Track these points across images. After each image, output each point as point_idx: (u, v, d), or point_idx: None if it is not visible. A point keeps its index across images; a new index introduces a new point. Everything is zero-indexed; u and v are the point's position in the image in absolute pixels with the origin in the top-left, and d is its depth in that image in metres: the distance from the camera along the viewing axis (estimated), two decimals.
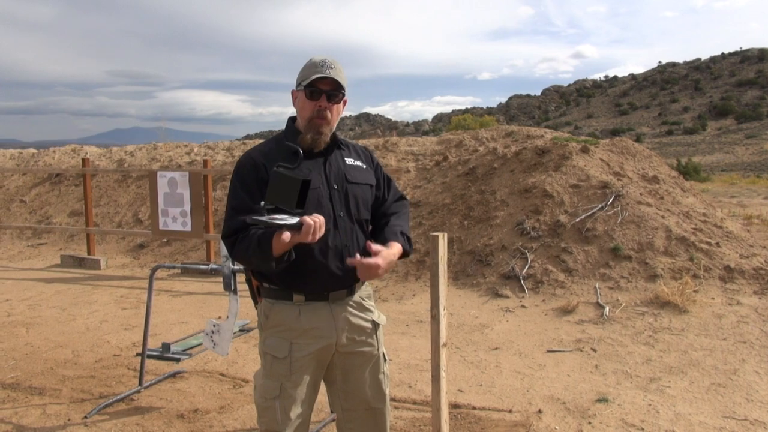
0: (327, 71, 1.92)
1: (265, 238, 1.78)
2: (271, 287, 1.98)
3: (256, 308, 2.09)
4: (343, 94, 1.99)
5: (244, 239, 1.83)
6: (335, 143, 2.05)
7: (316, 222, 1.73)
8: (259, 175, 1.91)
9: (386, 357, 2.16)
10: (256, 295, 2.07)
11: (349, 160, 2.07)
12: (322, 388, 2.12)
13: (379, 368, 2.11)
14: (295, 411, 1.95)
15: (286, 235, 1.70)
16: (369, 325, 2.08)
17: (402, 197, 2.22)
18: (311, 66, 1.95)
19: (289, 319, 1.94)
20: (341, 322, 1.99)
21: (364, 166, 2.11)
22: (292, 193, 1.74)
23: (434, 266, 2.13)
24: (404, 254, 2.04)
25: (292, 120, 2.07)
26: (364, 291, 2.11)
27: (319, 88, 1.93)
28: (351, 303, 2.03)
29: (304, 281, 1.93)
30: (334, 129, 2.03)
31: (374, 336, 2.09)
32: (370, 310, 2.10)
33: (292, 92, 2.02)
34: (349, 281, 1.99)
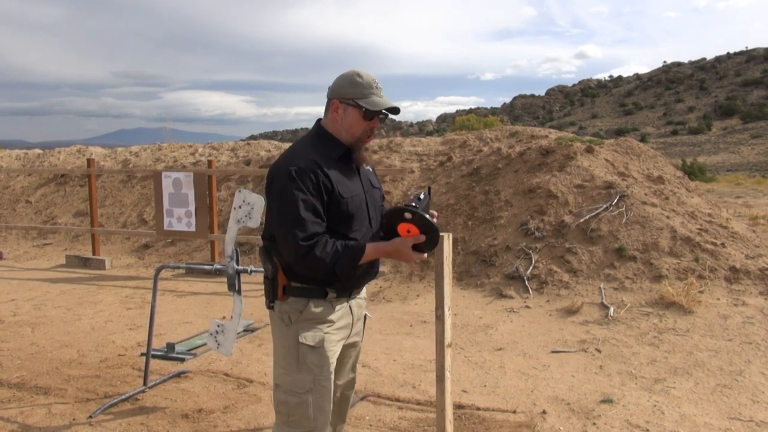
0: (382, 94, 2.05)
1: (361, 245, 1.97)
2: (304, 286, 2.04)
3: (271, 307, 2.11)
4: (386, 116, 2.12)
5: (328, 244, 1.92)
6: None
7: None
8: (320, 179, 1.96)
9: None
10: (277, 293, 2.06)
11: (367, 168, 2.21)
12: None
13: (357, 359, 2.35)
14: (326, 405, 2.04)
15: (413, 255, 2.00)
16: (362, 318, 2.29)
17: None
18: (366, 86, 2.02)
19: (324, 313, 2.06)
20: (354, 318, 2.18)
21: (372, 171, 2.27)
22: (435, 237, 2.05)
23: (439, 266, 2.13)
24: None
25: (319, 122, 2.13)
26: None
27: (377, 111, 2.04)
28: (359, 299, 2.22)
29: (347, 279, 2.04)
30: None
31: (362, 328, 2.32)
32: (365, 305, 2.31)
33: (335, 102, 2.05)
34: (371, 279, 2.20)
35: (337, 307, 2.10)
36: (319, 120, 2.13)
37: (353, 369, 2.34)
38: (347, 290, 2.12)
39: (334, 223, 1.99)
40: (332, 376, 2.08)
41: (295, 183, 1.93)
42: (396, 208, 2.02)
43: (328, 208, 1.97)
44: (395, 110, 2.08)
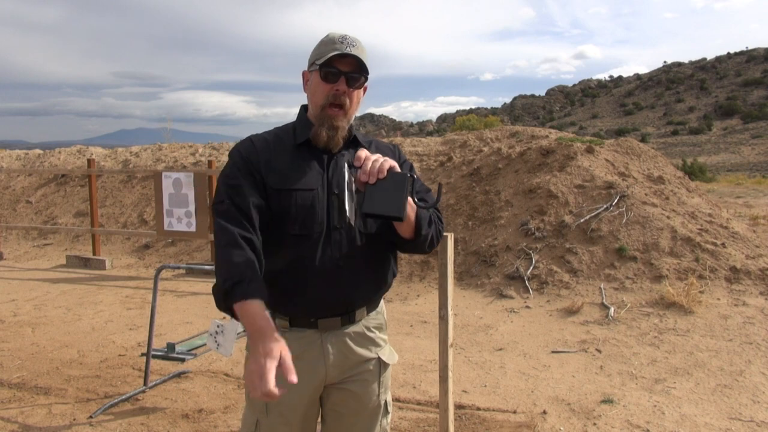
0: (348, 48, 1.57)
1: (249, 291, 1.40)
2: None
3: None
4: (366, 78, 1.63)
5: (239, 245, 1.47)
6: (351, 140, 1.68)
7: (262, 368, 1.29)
8: (252, 160, 1.59)
9: (389, 408, 1.74)
10: None
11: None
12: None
13: (376, 421, 1.70)
14: None
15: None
16: (371, 362, 1.68)
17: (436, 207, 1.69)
18: (328, 42, 1.59)
19: None
20: (334, 357, 1.63)
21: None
22: (397, 194, 1.40)
23: (442, 267, 2.12)
24: (418, 226, 1.55)
25: (304, 108, 1.71)
26: (373, 320, 1.70)
27: (338, 68, 1.57)
28: (349, 333, 1.65)
29: (285, 304, 1.60)
30: (351, 122, 1.67)
31: (377, 378, 1.69)
32: (377, 344, 1.70)
33: (304, 73, 1.67)
34: (341, 308, 1.62)
35: (292, 340, 1.57)
36: (303, 105, 1.75)
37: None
38: (301, 317, 1.61)
39: (264, 224, 1.56)
40: (282, 423, 1.62)
41: (233, 160, 1.62)
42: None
43: (265, 198, 1.57)
44: (362, 66, 1.59)
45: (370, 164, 1.43)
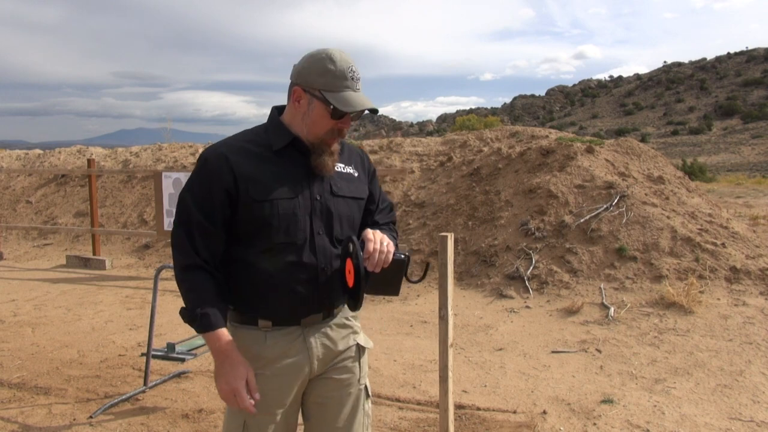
0: (358, 86, 1.60)
1: (211, 321, 1.56)
2: (234, 310, 1.68)
3: None
4: (363, 111, 1.63)
5: (200, 272, 1.60)
6: None
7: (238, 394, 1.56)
8: (223, 175, 1.57)
9: (369, 392, 1.83)
10: None
11: (340, 166, 1.70)
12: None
13: (359, 404, 1.78)
14: None
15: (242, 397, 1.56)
16: (352, 349, 1.78)
17: (391, 208, 1.90)
18: (339, 75, 1.57)
19: (253, 346, 1.65)
20: (317, 349, 1.69)
21: (356, 174, 1.75)
22: (396, 276, 1.64)
23: (442, 267, 2.12)
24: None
25: (277, 111, 1.70)
26: (348, 311, 1.79)
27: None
28: (330, 325, 1.73)
29: (268, 305, 1.64)
30: None
31: (357, 363, 1.78)
32: (355, 332, 1.80)
33: (298, 90, 1.61)
34: (323, 305, 1.68)
35: (273, 341, 1.64)
36: (274, 107, 1.72)
37: (353, 421, 1.76)
38: (284, 317, 1.65)
39: (246, 233, 1.60)
40: (270, 423, 1.66)
41: (196, 173, 1.62)
42: (351, 238, 1.62)
43: (235, 211, 1.59)
44: (373, 110, 1.63)
45: (377, 257, 1.57)
